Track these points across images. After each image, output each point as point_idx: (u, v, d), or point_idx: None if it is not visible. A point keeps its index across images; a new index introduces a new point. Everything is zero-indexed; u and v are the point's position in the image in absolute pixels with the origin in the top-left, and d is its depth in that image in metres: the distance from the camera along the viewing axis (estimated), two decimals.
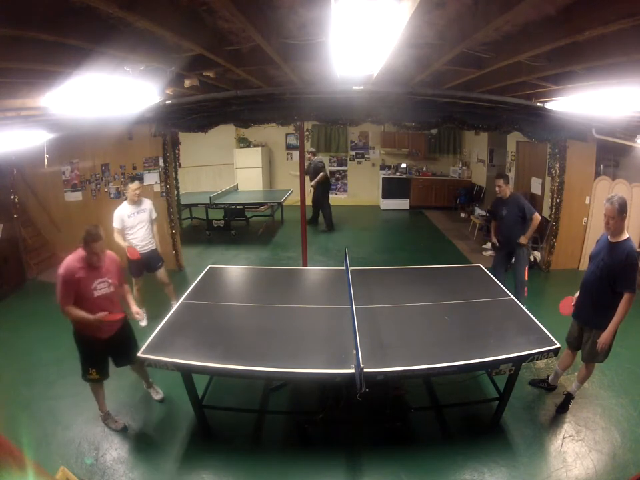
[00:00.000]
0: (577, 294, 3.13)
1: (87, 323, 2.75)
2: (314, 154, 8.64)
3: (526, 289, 4.57)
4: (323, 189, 8.38)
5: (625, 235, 2.79)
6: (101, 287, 2.83)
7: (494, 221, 4.75)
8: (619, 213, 2.70)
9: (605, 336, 2.81)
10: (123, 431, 3.04)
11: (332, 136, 10.71)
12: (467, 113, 5.15)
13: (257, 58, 2.79)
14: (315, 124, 10.32)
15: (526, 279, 4.58)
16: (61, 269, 2.71)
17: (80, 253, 2.78)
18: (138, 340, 3.11)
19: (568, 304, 3.19)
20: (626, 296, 2.72)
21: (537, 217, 4.34)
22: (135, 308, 3.06)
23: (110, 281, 2.88)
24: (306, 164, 8.52)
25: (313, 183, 8.22)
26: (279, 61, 2.56)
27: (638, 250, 2.82)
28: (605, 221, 2.79)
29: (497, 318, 3.19)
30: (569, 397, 3.17)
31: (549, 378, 3.44)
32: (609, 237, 2.86)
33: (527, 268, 4.58)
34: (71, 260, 2.76)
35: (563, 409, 3.15)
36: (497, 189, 4.46)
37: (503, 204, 4.47)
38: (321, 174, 8.24)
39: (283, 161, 11.07)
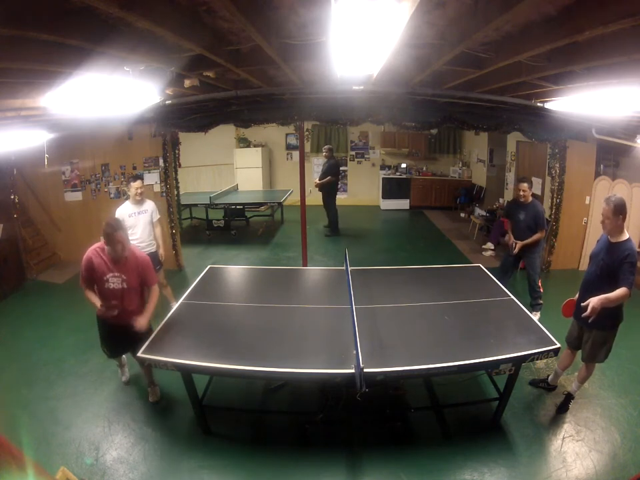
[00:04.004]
0: (578, 295, 3.11)
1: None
2: (329, 152, 7.99)
3: (541, 301, 4.56)
4: (328, 190, 8.01)
5: (625, 236, 2.77)
6: (113, 281, 2.91)
7: (509, 221, 4.69)
8: (613, 213, 2.69)
9: (594, 300, 2.63)
10: (125, 384, 3.50)
11: (332, 136, 10.70)
12: (466, 113, 5.15)
13: (257, 58, 2.79)
14: (315, 124, 10.32)
15: (541, 290, 4.58)
16: (84, 257, 2.94)
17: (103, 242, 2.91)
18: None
19: (571, 306, 3.17)
20: (621, 289, 2.65)
21: (541, 234, 4.37)
22: (143, 319, 2.92)
23: (124, 277, 2.92)
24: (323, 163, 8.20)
25: (316, 182, 7.93)
26: (279, 61, 2.56)
27: (638, 250, 2.80)
28: (601, 220, 2.80)
29: (497, 318, 3.19)
30: (569, 397, 3.17)
31: (549, 378, 3.44)
32: (609, 237, 2.84)
33: (540, 279, 4.59)
34: (94, 246, 2.96)
35: (562, 409, 3.15)
36: (521, 192, 4.36)
37: (522, 208, 4.42)
38: (327, 177, 7.87)
39: (283, 161, 11.07)
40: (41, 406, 3.30)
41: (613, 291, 2.70)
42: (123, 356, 3.49)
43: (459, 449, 2.84)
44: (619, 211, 2.69)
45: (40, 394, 3.45)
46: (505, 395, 2.96)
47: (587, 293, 2.95)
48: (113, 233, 2.78)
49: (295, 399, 3.39)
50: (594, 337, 2.90)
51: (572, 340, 3.17)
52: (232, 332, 3.04)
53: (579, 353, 3.14)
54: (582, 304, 2.73)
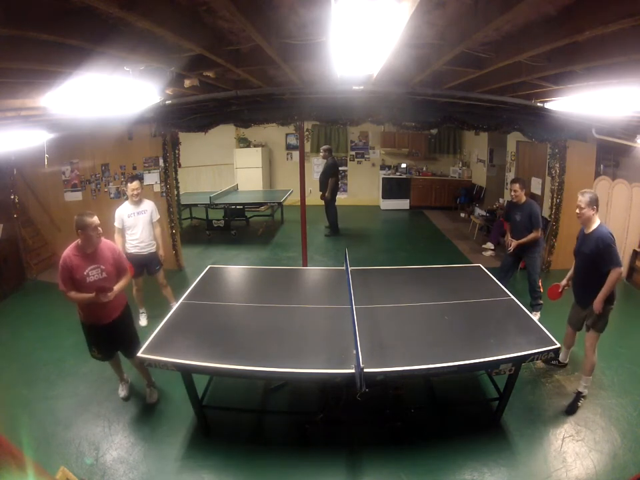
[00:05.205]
0: (564, 281, 3.49)
1: (87, 309, 3.01)
2: (327, 152, 7.94)
3: (541, 301, 4.57)
4: (330, 189, 7.89)
5: (596, 224, 3.07)
6: (93, 274, 2.95)
7: (507, 223, 4.71)
8: (588, 204, 3.03)
9: (596, 304, 3.02)
10: (124, 400, 3.38)
11: (332, 136, 10.71)
12: (466, 113, 5.15)
13: (257, 58, 2.79)
14: (315, 124, 10.32)
15: (541, 290, 4.59)
16: (61, 258, 2.95)
17: (76, 242, 2.94)
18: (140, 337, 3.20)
19: (555, 291, 3.53)
20: (612, 272, 2.94)
21: (536, 233, 4.38)
22: (112, 292, 2.97)
23: (102, 267, 2.98)
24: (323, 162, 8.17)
25: (327, 194, 7.83)
26: (279, 61, 2.56)
27: (610, 232, 3.02)
28: (577, 211, 3.10)
29: (497, 318, 3.19)
30: (578, 396, 3.17)
31: (559, 356, 3.49)
32: (584, 229, 3.16)
33: (540, 279, 4.62)
34: (68, 249, 2.96)
35: (572, 408, 3.13)
36: (512, 193, 4.40)
37: (517, 209, 4.45)
38: (330, 180, 7.79)
39: (283, 161, 11.07)
40: (40, 406, 3.30)
41: (600, 277, 2.98)
42: (127, 375, 3.50)
43: (459, 448, 2.84)
44: (592, 202, 3.04)
45: (40, 394, 3.45)
46: (504, 395, 2.96)
47: (579, 284, 3.27)
48: (90, 220, 2.85)
49: (295, 399, 3.39)
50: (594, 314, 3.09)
51: (574, 322, 3.41)
52: (232, 332, 3.05)
53: (579, 350, 3.18)
54: (595, 312, 3.05)
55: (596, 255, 2.99)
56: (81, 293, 2.92)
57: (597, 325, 3.10)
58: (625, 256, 5.37)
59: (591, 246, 3.04)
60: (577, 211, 3.10)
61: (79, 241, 2.93)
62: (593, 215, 3.06)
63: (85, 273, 2.92)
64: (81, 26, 1.83)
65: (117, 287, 3.04)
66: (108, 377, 3.63)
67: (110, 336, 3.13)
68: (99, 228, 2.93)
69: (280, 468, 2.73)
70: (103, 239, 3.11)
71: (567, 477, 2.60)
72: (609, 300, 3.04)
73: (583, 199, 3.05)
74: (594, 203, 3.04)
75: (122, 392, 3.43)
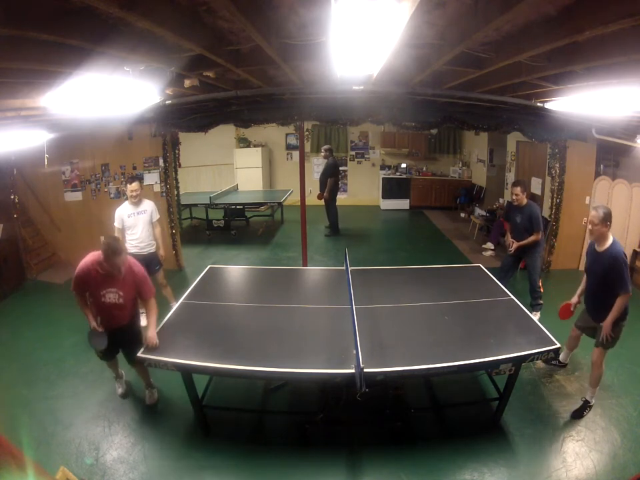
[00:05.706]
0: (574, 299, 3.37)
1: (96, 313, 2.97)
2: (328, 152, 7.96)
3: (541, 301, 4.57)
4: (329, 189, 7.91)
5: (609, 242, 2.94)
6: (110, 296, 2.91)
7: (507, 223, 4.71)
8: (602, 220, 2.89)
9: (605, 327, 2.96)
10: (122, 397, 3.39)
11: (332, 136, 10.70)
12: (466, 113, 5.15)
13: (257, 58, 2.79)
14: (315, 124, 10.32)
15: (541, 290, 4.60)
16: (80, 264, 2.90)
17: (101, 255, 2.82)
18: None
19: (567, 310, 3.39)
20: (620, 298, 2.86)
21: (537, 235, 4.37)
22: (150, 332, 2.81)
23: (121, 293, 2.92)
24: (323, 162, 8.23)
25: (325, 193, 7.85)
26: (279, 61, 2.56)
27: (624, 251, 2.93)
28: (590, 227, 2.98)
29: (497, 318, 3.19)
30: (585, 404, 3.14)
31: (560, 356, 3.51)
32: (595, 245, 3.02)
33: (540, 279, 4.62)
34: (90, 259, 2.89)
35: (578, 414, 3.10)
36: (513, 197, 4.40)
37: (518, 210, 4.44)
38: (330, 180, 7.80)
39: (283, 161, 11.07)
40: (40, 406, 3.30)
41: (613, 297, 2.89)
42: (122, 370, 3.47)
43: (459, 448, 2.84)
44: (607, 219, 2.90)
45: (40, 394, 3.45)
46: (504, 394, 2.96)
47: (591, 302, 3.20)
48: (113, 258, 2.75)
49: (295, 399, 3.39)
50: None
51: (582, 326, 3.39)
52: (232, 332, 3.05)
53: (580, 351, 3.17)
54: (602, 338, 2.99)
55: (608, 276, 2.90)
56: (86, 309, 2.97)
57: (607, 343, 3.03)
58: None
59: (603, 265, 2.93)
60: (590, 227, 2.98)
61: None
62: (607, 231, 2.93)
63: (102, 293, 2.89)
64: (80, 26, 1.83)
65: (151, 333, 2.80)
66: (108, 376, 3.63)
67: (114, 339, 3.07)
68: (119, 268, 2.80)
69: (280, 468, 2.73)
70: (130, 260, 3.00)
71: (567, 477, 2.60)
72: (621, 317, 2.96)
73: (597, 214, 2.91)
74: (608, 218, 2.90)
75: (119, 389, 3.44)
